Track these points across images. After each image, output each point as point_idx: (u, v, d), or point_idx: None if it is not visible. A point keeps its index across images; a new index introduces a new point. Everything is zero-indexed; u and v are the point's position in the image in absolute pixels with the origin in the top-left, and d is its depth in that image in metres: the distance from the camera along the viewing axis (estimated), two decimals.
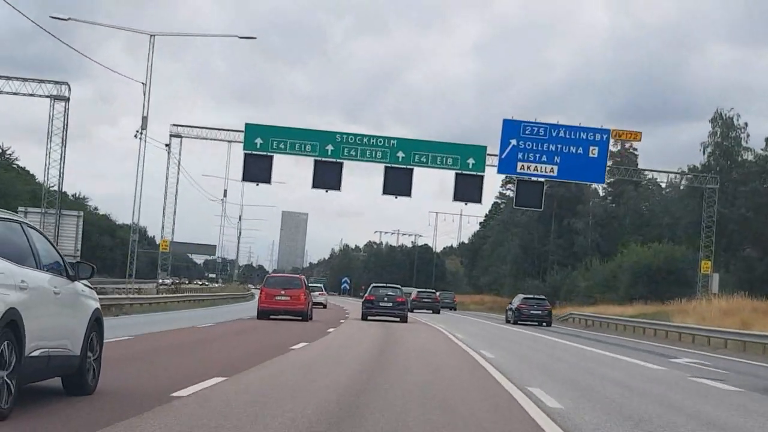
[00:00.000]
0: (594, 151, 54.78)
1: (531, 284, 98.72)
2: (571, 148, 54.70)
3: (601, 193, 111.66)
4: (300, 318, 37.55)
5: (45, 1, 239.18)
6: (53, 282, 10.03)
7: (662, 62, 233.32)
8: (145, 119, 49.47)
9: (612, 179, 61.53)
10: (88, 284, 11.34)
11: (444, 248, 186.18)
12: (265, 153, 55.08)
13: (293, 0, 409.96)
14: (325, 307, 61.98)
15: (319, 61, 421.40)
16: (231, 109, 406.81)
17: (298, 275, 49.24)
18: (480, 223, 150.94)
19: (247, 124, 55.27)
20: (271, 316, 37.57)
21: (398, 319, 43.44)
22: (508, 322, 56.31)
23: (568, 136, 54.89)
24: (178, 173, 57.31)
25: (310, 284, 48.34)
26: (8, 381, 8.71)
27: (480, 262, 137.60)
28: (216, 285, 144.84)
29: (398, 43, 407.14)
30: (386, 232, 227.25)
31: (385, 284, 49.79)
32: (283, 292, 37.97)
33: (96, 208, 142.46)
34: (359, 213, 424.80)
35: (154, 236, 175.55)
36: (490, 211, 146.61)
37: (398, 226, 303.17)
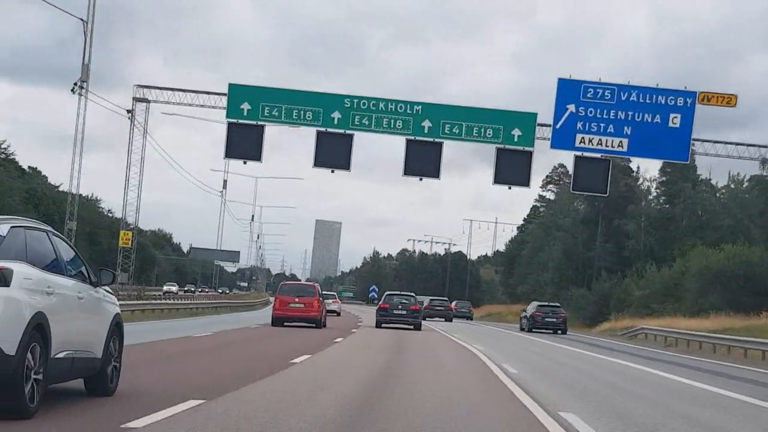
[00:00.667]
0: (675, 120, 42.68)
1: (576, 293, 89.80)
2: (646, 115, 42.72)
3: (654, 193, 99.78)
4: (314, 325, 37.92)
5: (83, 8, 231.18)
6: (77, 288, 10.51)
7: (703, 71, 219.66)
8: (86, 67, 38.71)
9: (694, 149, 48.73)
10: (109, 290, 11.79)
11: (478, 257, 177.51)
12: (253, 122, 43.43)
13: (333, 12, 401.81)
14: (338, 315, 61.60)
15: (357, 72, 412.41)
16: None
17: (311, 283, 48.64)
18: (518, 227, 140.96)
19: (230, 85, 43.71)
20: (285, 324, 37.93)
21: (412, 327, 42.89)
22: (522, 330, 54.76)
23: (642, 101, 42.84)
24: (144, 146, 46.00)
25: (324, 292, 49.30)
26: (35, 381, 9.21)
27: (518, 269, 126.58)
28: (241, 293, 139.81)
29: (436, 53, 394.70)
30: (419, 240, 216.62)
31: (399, 292, 49.33)
32: (297, 300, 38.40)
33: (110, 211, 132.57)
34: (393, 222, 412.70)
35: (179, 242, 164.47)
36: (528, 215, 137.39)
37: (432, 235, 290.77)
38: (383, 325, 43.19)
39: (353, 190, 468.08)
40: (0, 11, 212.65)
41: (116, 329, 11.68)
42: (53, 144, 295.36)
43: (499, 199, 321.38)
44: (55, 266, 10.10)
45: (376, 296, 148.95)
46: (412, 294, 47.53)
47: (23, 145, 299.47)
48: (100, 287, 11.34)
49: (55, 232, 10.65)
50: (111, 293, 11.89)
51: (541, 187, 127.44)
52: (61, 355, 9.84)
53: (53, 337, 9.47)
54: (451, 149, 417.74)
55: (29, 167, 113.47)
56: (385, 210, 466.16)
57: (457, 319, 76.36)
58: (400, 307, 43.74)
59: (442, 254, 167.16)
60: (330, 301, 59.18)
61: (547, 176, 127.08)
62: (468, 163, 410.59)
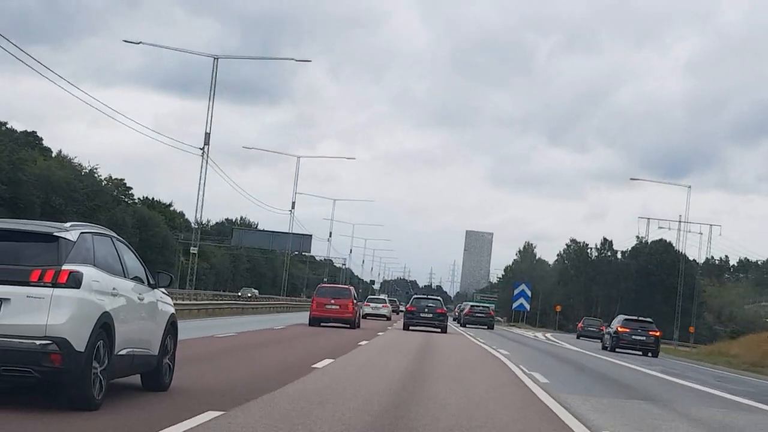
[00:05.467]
0: None
1: None
2: None
3: None
4: (348, 326, 40.29)
5: (247, 27, 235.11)
6: (137, 289, 11.40)
7: None
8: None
9: None
10: (165, 291, 12.69)
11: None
12: None
13: (499, 19, 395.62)
14: (389, 319, 63.22)
15: (523, 81, 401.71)
16: (431, 132, 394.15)
17: (347, 286, 50.92)
18: None
19: None
20: (321, 324, 40.21)
21: (438, 330, 44.71)
22: (604, 348, 47.43)
23: None
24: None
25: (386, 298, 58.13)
26: (101, 376, 10.05)
27: None
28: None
29: (608, 60, 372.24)
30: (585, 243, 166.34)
31: (426, 296, 52.86)
32: (332, 301, 40.69)
33: (203, 221, 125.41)
34: (553, 238, 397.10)
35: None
36: None
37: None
38: (410, 328, 44.85)
39: (510, 204, 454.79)
40: (169, 24, 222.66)
41: (171, 328, 12.52)
42: (216, 157, 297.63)
43: (669, 212, 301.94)
44: (118, 269, 10.93)
45: (527, 303, 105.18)
46: (439, 298, 50.58)
47: (184, 158, 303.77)
48: (158, 289, 12.19)
49: (118, 237, 11.51)
50: (167, 294, 12.70)
51: None
52: (123, 352, 10.64)
53: (117, 336, 10.32)
54: (617, 160, 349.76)
55: (145, 202, 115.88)
56: (545, 225, 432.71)
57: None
58: (426, 310, 45.50)
59: (633, 246, 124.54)
60: (380, 305, 64.97)
61: None
62: (636, 175, 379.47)
